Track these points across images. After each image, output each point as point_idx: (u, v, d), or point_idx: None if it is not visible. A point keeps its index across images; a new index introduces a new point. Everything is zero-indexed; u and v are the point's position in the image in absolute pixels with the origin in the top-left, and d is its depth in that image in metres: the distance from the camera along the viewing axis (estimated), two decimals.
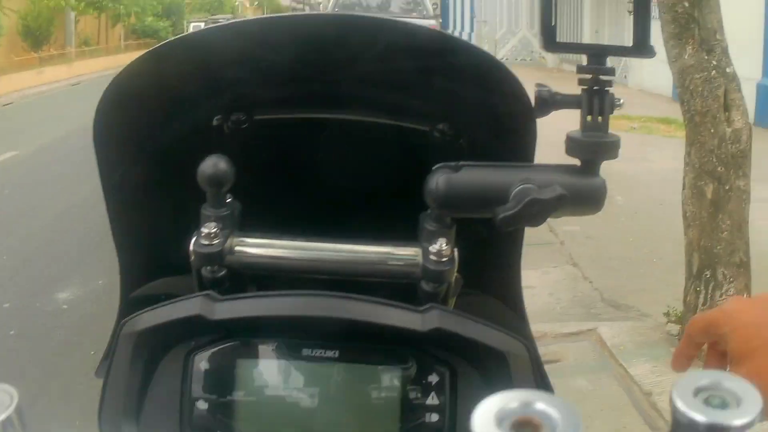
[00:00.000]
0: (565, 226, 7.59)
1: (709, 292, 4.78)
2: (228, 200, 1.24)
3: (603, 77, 1.11)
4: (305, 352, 1.11)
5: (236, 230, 1.23)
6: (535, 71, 30.28)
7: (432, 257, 1.18)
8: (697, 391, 0.56)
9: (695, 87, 4.56)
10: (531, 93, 1.20)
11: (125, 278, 1.48)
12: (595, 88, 1.11)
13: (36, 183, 11.80)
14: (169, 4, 56.89)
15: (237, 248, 1.21)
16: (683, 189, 4.86)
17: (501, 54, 32.19)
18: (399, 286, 1.23)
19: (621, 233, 7.42)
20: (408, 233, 1.28)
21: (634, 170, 9.23)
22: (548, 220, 1.16)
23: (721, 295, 4.73)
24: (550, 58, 31.45)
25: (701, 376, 0.57)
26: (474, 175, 1.16)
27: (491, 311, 1.44)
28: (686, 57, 4.57)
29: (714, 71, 4.54)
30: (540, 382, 1.15)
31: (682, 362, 1.19)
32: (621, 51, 1.16)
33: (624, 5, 23.95)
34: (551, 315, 5.66)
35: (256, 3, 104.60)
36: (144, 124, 1.38)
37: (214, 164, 1.18)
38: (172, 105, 1.38)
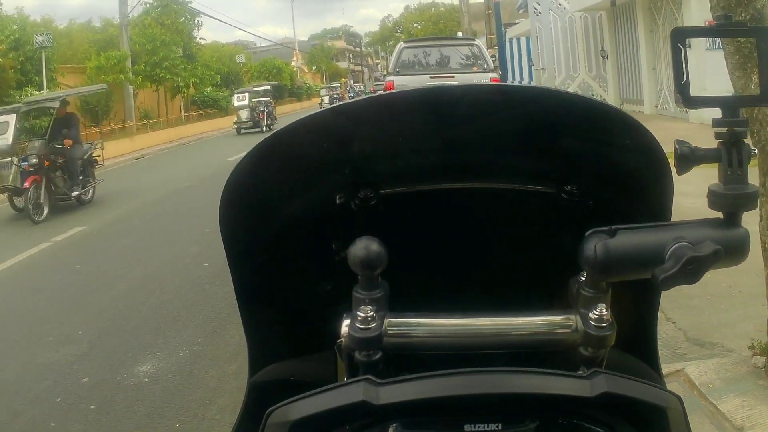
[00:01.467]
0: None
1: None
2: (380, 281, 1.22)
3: (738, 129, 1.11)
4: (467, 428, 1.08)
5: (389, 311, 1.21)
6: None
7: (593, 323, 1.18)
8: None
9: (764, 116, 4.50)
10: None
11: (252, 361, 1.49)
12: (732, 140, 1.11)
13: (107, 257, 11.94)
14: (227, 74, 57.63)
15: (392, 330, 1.20)
16: (760, 220, 4.79)
17: None
18: (547, 352, 1.23)
19: None
20: (547, 294, 1.29)
21: (703, 206, 8.82)
22: None
23: None
24: (611, 100, 31.38)
25: None
26: (629, 238, 1.15)
27: (633, 367, 1.42)
28: (752, 86, 4.51)
29: None
30: None
31: None
32: (752, 101, 1.16)
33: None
34: None
35: (314, 68, 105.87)
36: (267, 203, 1.39)
37: (365, 247, 1.18)
38: (294, 184, 1.39)
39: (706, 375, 5.15)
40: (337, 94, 69.38)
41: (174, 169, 24.71)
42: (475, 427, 1.08)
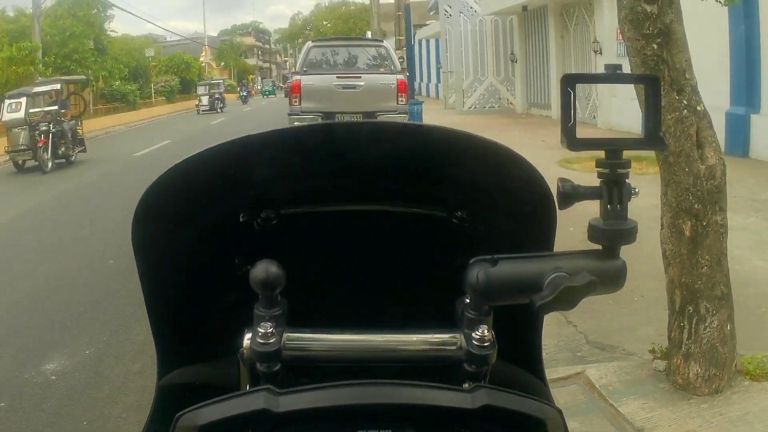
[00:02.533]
0: None
1: (693, 326, 4.84)
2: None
3: (620, 170, 1.21)
4: None
5: (287, 327, 1.31)
6: (506, 117, 30.43)
7: (475, 343, 1.28)
8: None
9: (668, 128, 4.61)
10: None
11: (161, 364, 1.60)
12: (614, 180, 1.21)
13: (13, 253, 11.72)
14: (136, 68, 57.02)
15: (290, 344, 1.29)
16: (662, 228, 4.92)
17: (470, 102, 32.68)
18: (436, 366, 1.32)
19: None
20: (437, 311, 1.39)
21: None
22: None
23: (704, 329, 4.80)
24: (519, 105, 31.78)
25: None
26: (510, 268, 1.24)
27: (518, 379, 1.51)
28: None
29: (685, 110, 4.61)
30: None
31: None
32: (636, 144, 1.24)
33: (589, 48, 24.22)
34: None
35: (222, 64, 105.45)
36: (175, 222, 1.47)
37: (265, 269, 1.27)
38: (200, 205, 1.48)
39: (607, 377, 5.27)
40: (219, 94, 58.41)
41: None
42: None
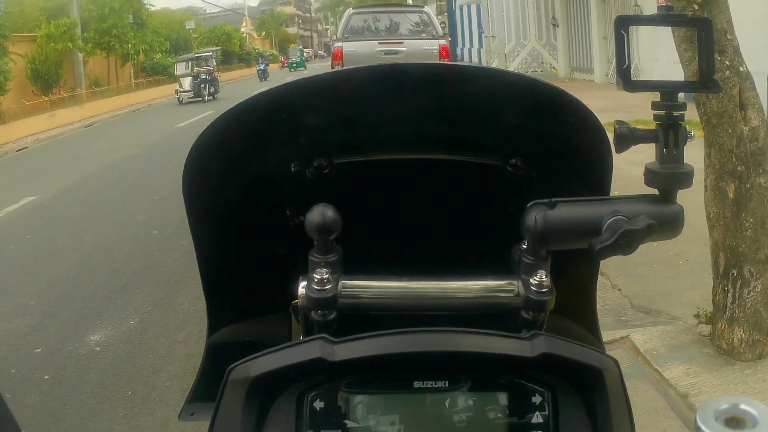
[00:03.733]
0: None
1: (737, 290, 4.78)
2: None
3: (675, 113, 1.17)
4: (416, 384, 1.15)
5: (342, 274, 1.28)
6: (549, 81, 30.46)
7: (533, 288, 1.25)
8: (718, 415, 0.60)
9: None
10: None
11: (211, 322, 1.58)
12: (669, 123, 1.17)
13: (58, 226, 11.83)
14: (177, 40, 57.28)
15: (346, 292, 1.27)
16: (705, 191, 4.87)
17: (512, 67, 32.48)
18: (491, 315, 1.30)
19: None
20: (491, 260, 1.35)
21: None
22: None
23: (748, 293, 4.74)
24: (561, 69, 31.60)
25: (721, 401, 0.62)
26: (568, 211, 1.22)
27: (573, 333, 1.49)
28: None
29: (727, 71, 4.54)
30: (625, 394, 1.19)
31: None
32: (690, 87, 1.22)
33: (630, 11, 23.98)
34: None
35: (263, 33, 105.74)
36: (227, 169, 1.46)
37: (321, 213, 1.24)
38: (252, 152, 1.45)
39: (651, 342, 5.24)
40: (208, 73, 41.51)
41: (123, 136, 24.54)
42: (423, 384, 1.14)
